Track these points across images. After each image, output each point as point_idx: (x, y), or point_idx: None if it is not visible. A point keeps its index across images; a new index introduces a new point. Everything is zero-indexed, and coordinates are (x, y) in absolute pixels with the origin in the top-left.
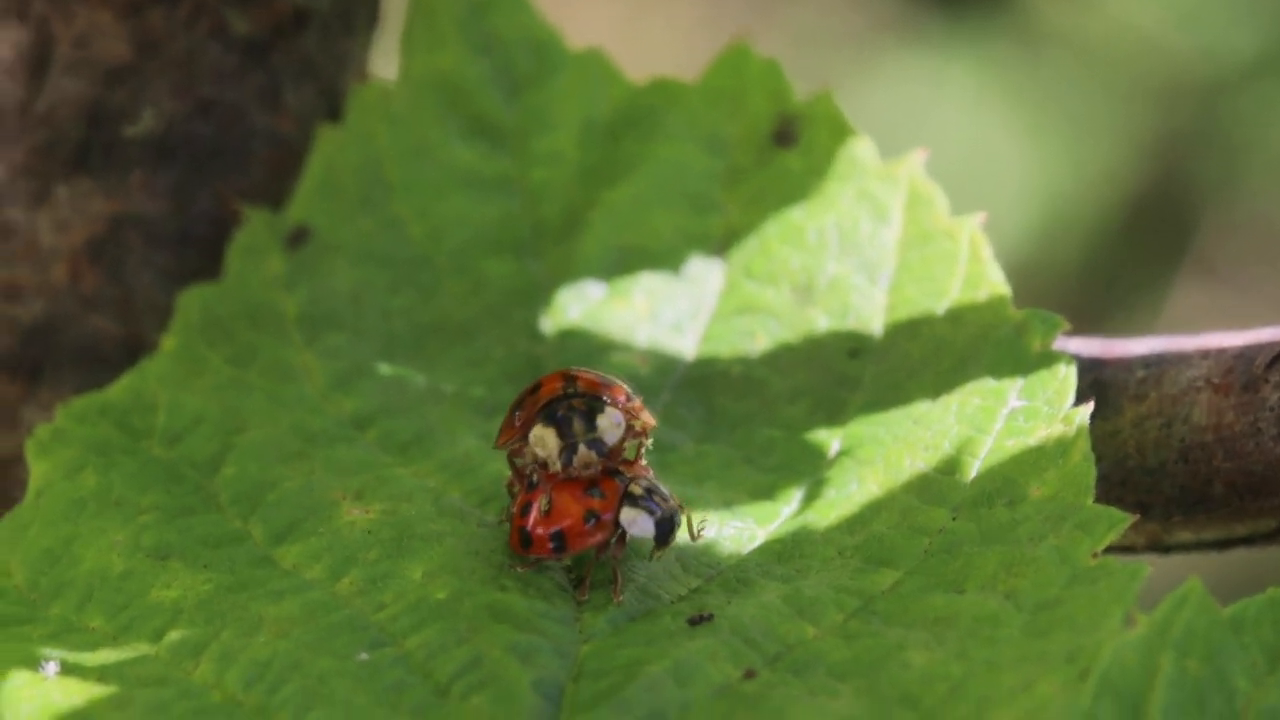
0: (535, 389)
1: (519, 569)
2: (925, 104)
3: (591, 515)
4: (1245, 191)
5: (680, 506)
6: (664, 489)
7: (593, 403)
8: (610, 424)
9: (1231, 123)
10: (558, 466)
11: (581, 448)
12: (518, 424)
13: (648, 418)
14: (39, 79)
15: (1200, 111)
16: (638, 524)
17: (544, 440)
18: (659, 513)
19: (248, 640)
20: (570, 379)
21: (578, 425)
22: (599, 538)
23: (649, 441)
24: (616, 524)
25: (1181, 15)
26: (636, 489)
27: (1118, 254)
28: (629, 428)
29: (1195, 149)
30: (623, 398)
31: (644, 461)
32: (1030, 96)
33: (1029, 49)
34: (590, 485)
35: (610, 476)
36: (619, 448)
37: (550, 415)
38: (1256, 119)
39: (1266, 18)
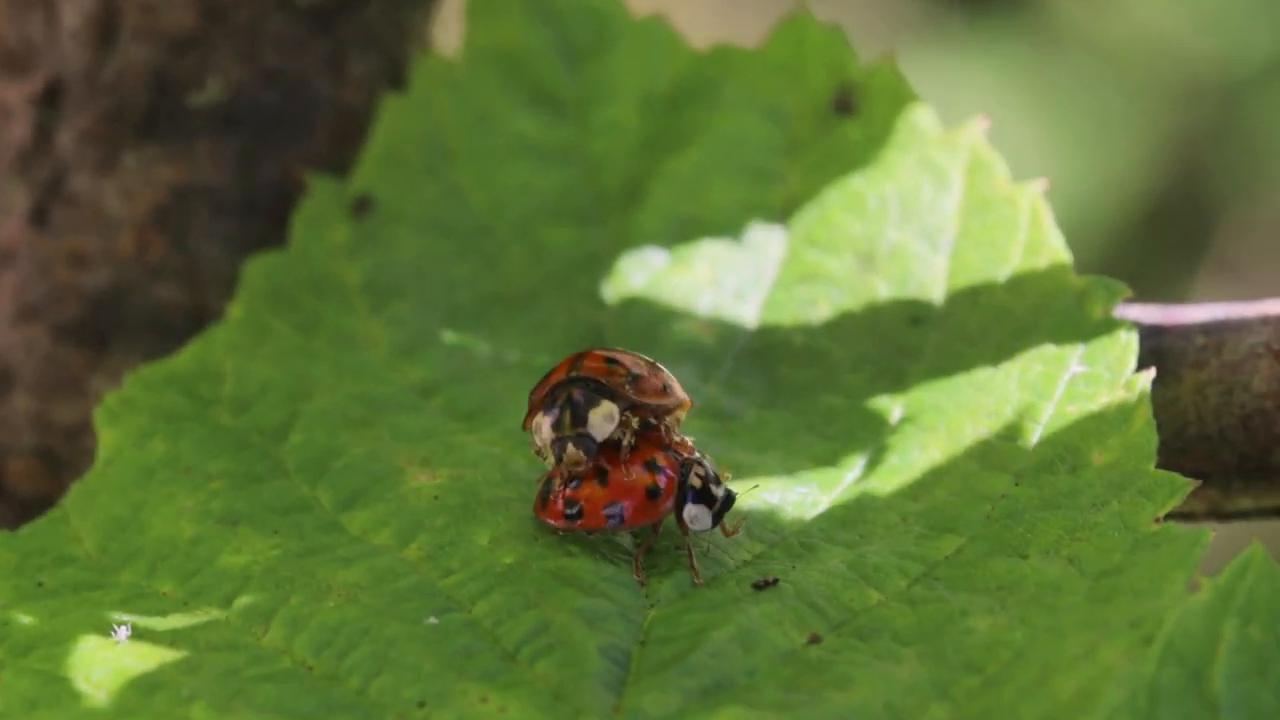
0: (548, 374)
1: (559, 533)
2: (945, 104)
3: (654, 491)
4: (1265, 190)
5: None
6: (713, 479)
7: (587, 394)
8: (602, 418)
9: (1250, 122)
10: (551, 460)
11: (570, 445)
12: (530, 408)
13: (670, 397)
14: (107, 46)
15: (1219, 111)
16: (698, 519)
17: (540, 429)
18: (717, 504)
19: (317, 605)
20: (576, 364)
21: (567, 418)
22: (658, 514)
23: (680, 414)
24: (677, 507)
25: (1200, 16)
26: (695, 479)
27: (1138, 253)
28: (624, 419)
29: (1215, 149)
30: (625, 381)
31: (679, 438)
32: (1050, 97)
33: (1049, 50)
34: (649, 462)
35: (670, 456)
36: (619, 437)
37: (547, 405)
38: (1275, 118)
39: None
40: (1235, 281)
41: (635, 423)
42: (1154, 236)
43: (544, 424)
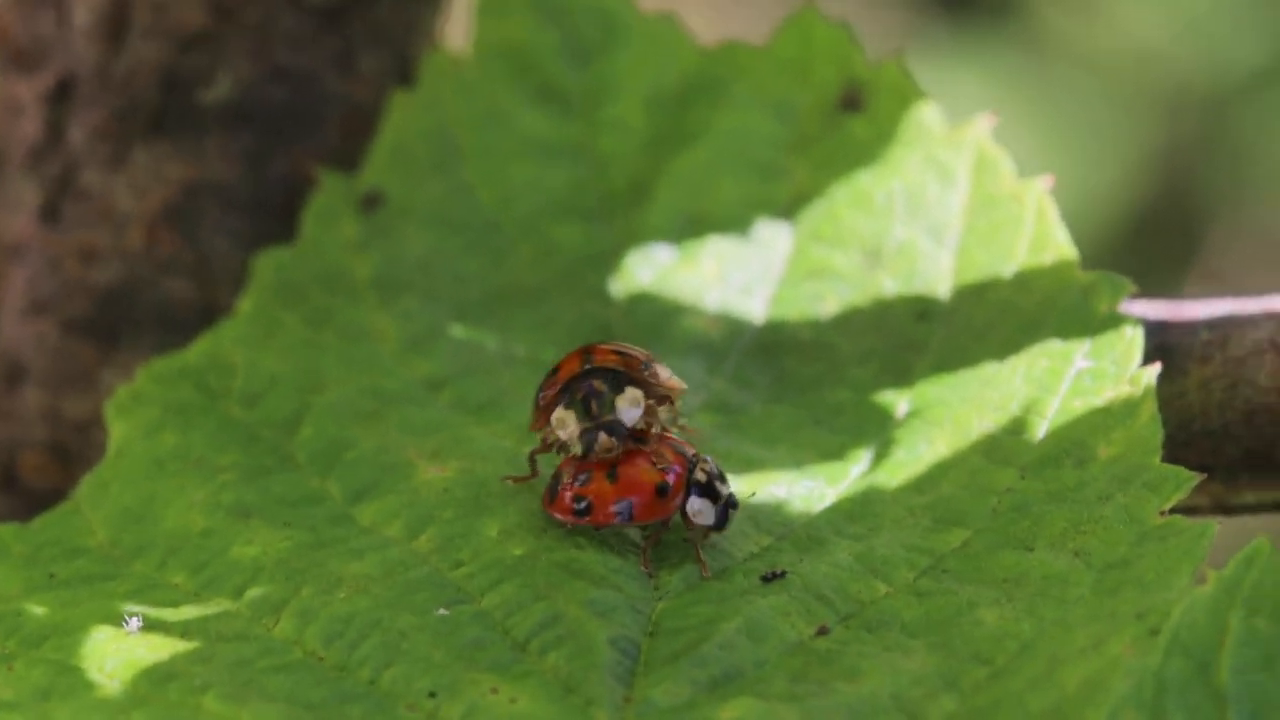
0: (555, 370)
1: (569, 526)
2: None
3: (663, 489)
4: (1251, 201)
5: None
6: (719, 477)
7: (610, 382)
8: (629, 403)
9: (1237, 132)
10: (579, 451)
11: (601, 433)
12: (542, 406)
13: (673, 382)
14: (117, 43)
15: (1206, 121)
16: (702, 514)
17: (564, 423)
18: (721, 498)
19: (328, 597)
20: (588, 357)
21: (595, 407)
22: (667, 512)
23: (678, 406)
24: (683, 503)
25: (1187, 25)
26: (701, 475)
27: (1125, 264)
28: (649, 405)
29: (1201, 159)
30: (641, 369)
31: (680, 428)
32: (1037, 107)
33: (1036, 60)
34: (657, 459)
35: (678, 453)
36: (644, 425)
37: (569, 399)
38: (1262, 128)
39: (1271, 28)
40: (1222, 291)
41: (660, 413)
42: (1141, 246)
43: (568, 417)
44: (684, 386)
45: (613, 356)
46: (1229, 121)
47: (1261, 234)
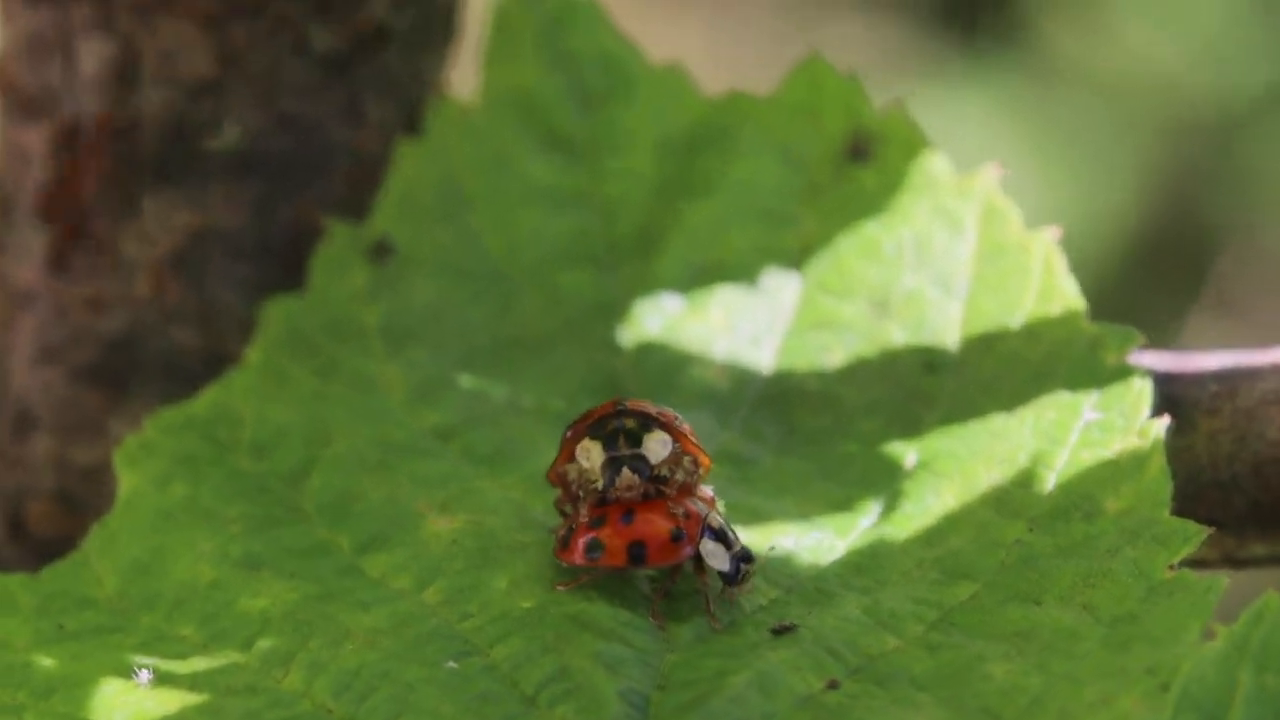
0: (586, 413)
1: (561, 586)
2: (940, 139)
3: (678, 535)
4: (1260, 226)
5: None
6: (731, 532)
7: (641, 421)
8: (656, 444)
9: (1246, 158)
10: (599, 484)
11: (625, 467)
12: (568, 439)
13: (705, 459)
14: (125, 92)
15: (1215, 147)
16: (715, 556)
17: (589, 452)
18: (735, 548)
19: (336, 649)
20: (621, 403)
21: (623, 441)
22: (680, 557)
23: (701, 472)
24: (697, 550)
25: (1196, 51)
26: (715, 521)
27: (1133, 289)
28: (677, 452)
29: (1210, 184)
30: (675, 421)
31: (709, 492)
32: (1045, 132)
33: (1044, 84)
34: (675, 506)
35: (692, 503)
36: (667, 473)
37: (597, 430)
38: (1271, 153)
39: None
40: (1230, 317)
41: (686, 461)
42: (1149, 271)
43: (594, 447)
44: (710, 464)
45: (649, 404)
46: (1238, 146)
47: (1270, 260)
